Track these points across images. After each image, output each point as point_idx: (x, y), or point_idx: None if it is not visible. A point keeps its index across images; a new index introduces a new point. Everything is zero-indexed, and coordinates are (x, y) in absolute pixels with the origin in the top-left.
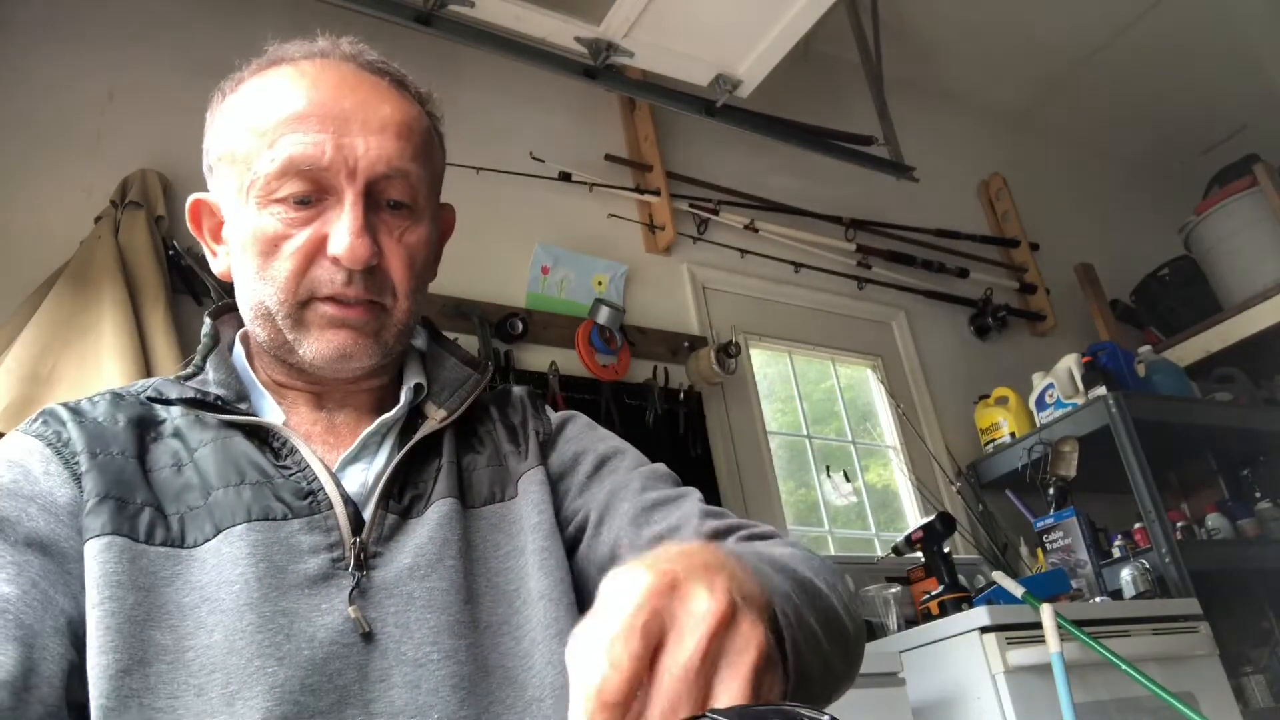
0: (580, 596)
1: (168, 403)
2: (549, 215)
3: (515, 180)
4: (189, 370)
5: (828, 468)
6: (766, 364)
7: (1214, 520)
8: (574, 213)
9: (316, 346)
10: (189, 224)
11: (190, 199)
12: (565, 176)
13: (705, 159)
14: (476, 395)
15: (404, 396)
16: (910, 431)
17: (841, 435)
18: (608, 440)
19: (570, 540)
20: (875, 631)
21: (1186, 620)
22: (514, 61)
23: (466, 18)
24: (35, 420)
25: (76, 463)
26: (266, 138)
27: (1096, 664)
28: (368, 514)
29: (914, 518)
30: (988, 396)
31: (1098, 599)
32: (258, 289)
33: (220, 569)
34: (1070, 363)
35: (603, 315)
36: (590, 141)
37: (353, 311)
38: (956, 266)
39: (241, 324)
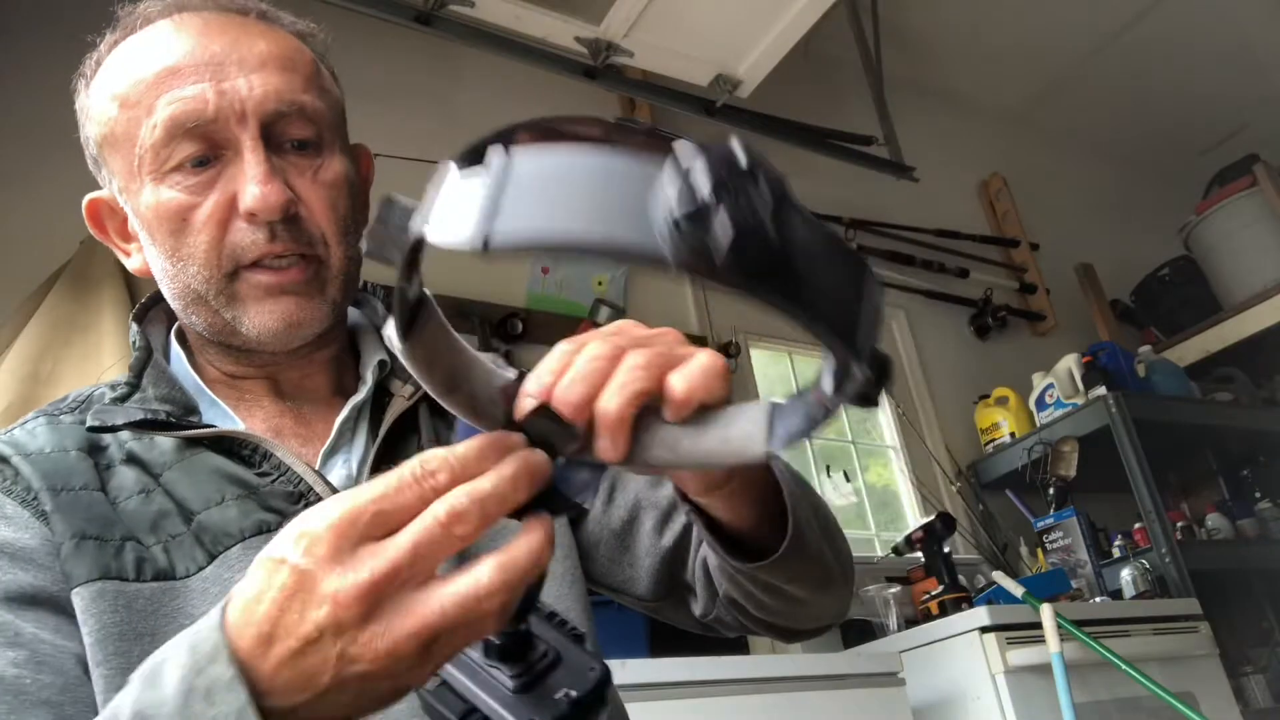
0: (587, 566)
1: (113, 429)
2: None
3: None
4: (124, 390)
5: (828, 467)
6: (767, 364)
7: (1214, 520)
8: None
9: (259, 320)
10: (92, 230)
11: (85, 200)
12: None
13: None
14: None
15: (370, 376)
16: (910, 431)
17: (841, 435)
18: None
19: None
20: (875, 631)
21: (1186, 620)
22: (514, 61)
23: (466, 18)
24: None
25: (37, 501)
26: (142, 105)
27: (1096, 664)
28: None
29: (914, 518)
30: (988, 396)
31: (1098, 599)
32: (180, 272)
33: (226, 597)
34: (1070, 363)
35: (603, 315)
36: None
37: (287, 275)
38: (956, 266)
39: (171, 321)
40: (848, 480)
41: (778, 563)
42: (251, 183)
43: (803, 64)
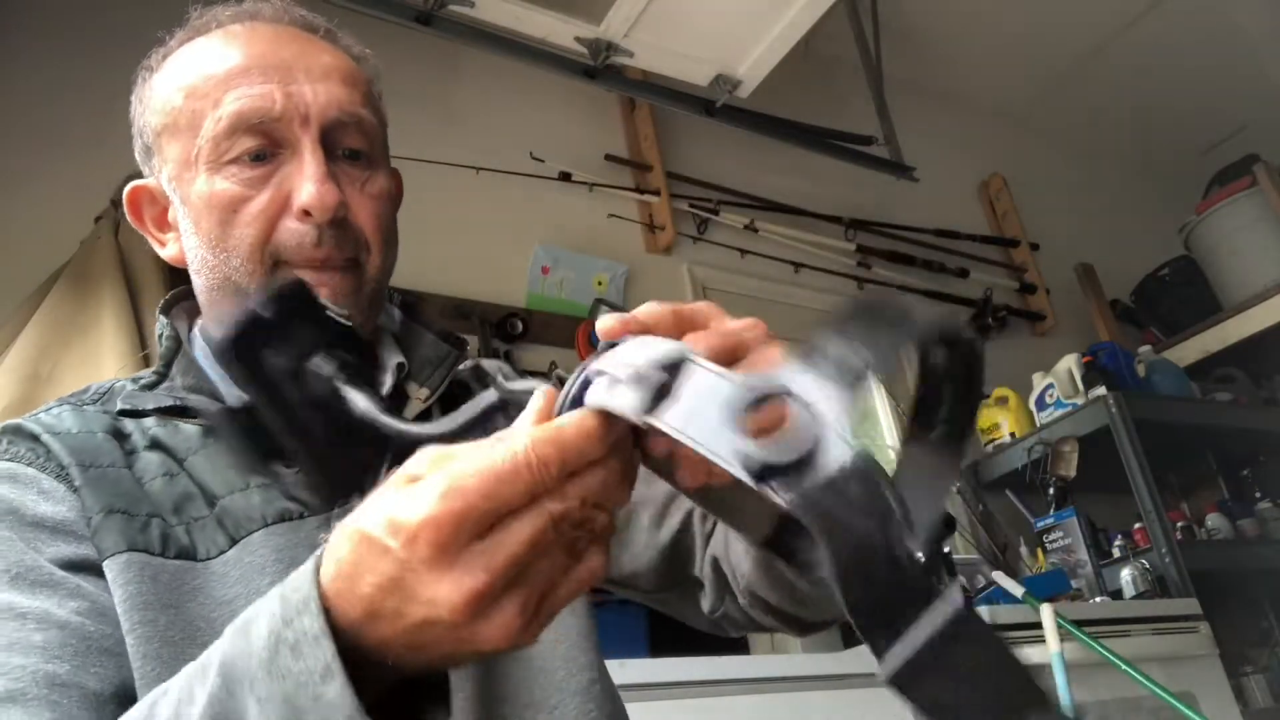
0: None
1: (142, 414)
2: (549, 215)
3: (515, 180)
4: (152, 378)
5: None
6: None
7: (1214, 520)
8: (574, 213)
9: None
10: (128, 215)
11: (128, 187)
12: (565, 176)
13: (705, 159)
14: (455, 371)
15: (389, 378)
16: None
17: None
18: None
19: None
20: None
21: (1186, 620)
22: (514, 61)
23: (466, 18)
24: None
25: (68, 475)
26: (210, 98)
27: (1096, 664)
28: None
29: None
30: (987, 396)
31: (1098, 599)
32: (221, 263)
33: (248, 580)
34: (1070, 363)
35: (603, 315)
36: (590, 141)
37: (328, 274)
38: (956, 266)
39: (197, 313)
40: None
41: None
42: (309, 181)
43: (803, 64)
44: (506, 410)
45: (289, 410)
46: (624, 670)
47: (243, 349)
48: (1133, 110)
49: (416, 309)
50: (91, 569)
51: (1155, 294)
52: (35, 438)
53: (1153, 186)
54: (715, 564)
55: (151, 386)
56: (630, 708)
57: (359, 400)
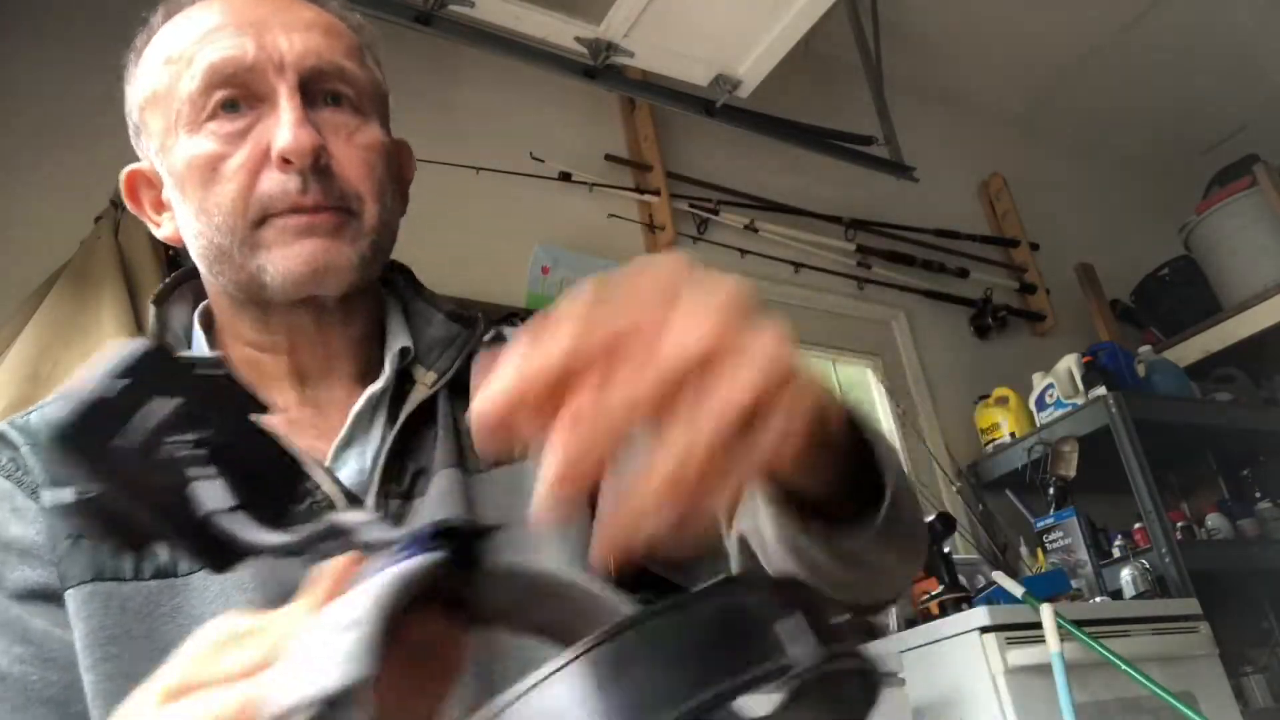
0: None
1: None
2: (549, 215)
3: (515, 180)
4: None
5: None
6: None
7: (1214, 520)
8: (574, 213)
9: (284, 264)
10: (127, 201)
11: (124, 172)
12: (565, 176)
13: (705, 159)
14: (466, 353)
15: (389, 364)
16: (910, 431)
17: None
18: None
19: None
20: (875, 632)
21: (1186, 620)
22: (514, 61)
23: (466, 18)
24: None
25: (39, 495)
26: (183, 59)
27: (1096, 664)
28: (370, 503)
29: None
30: (987, 396)
31: (1098, 599)
32: (205, 227)
33: (226, 595)
34: (1070, 363)
35: None
36: (590, 141)
37: (318, 218)
38: (956, 266)
39: (199, 298)
40: None
41: (880, 529)
42: (284, 126)
43: (803, 64)
44: (346, 536)
45: (141, 503)
46: None
47: (85, 437)
48: (1132, 110)
49: (424, 287)
50: (53, 598)
51: (1155, 294)
52: (15, 448)
53: (1153, 186)
54: (743, 543)
55: None
56: None
57: (206, 501)
